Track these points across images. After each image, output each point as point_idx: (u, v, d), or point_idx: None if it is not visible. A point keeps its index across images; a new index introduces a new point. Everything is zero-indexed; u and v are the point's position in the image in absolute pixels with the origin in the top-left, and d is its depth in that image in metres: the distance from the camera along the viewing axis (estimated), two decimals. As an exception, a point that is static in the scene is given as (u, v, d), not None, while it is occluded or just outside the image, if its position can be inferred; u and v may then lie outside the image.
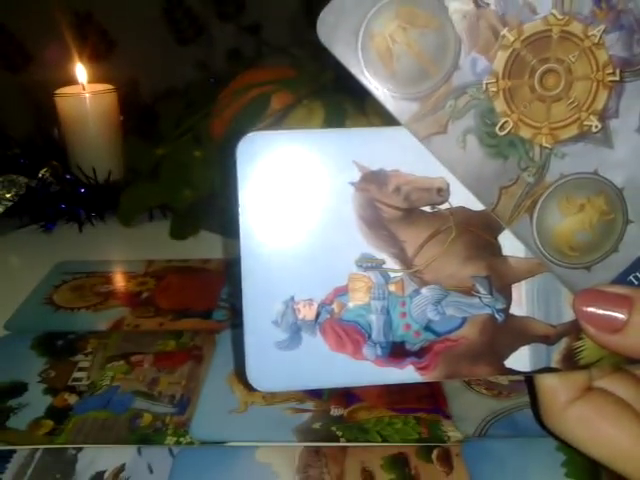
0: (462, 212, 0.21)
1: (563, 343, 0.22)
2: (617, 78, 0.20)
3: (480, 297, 0.21)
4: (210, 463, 0.26)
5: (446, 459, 0.26)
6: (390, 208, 0.21)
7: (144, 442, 0.27)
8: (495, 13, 0.19)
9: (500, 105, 0.20)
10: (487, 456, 0.26)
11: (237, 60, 0.64)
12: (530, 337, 0.22)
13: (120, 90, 0.56)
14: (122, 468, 0.26)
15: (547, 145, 0.20)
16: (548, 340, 0.22)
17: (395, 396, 0.30)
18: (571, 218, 0.21)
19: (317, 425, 0.28)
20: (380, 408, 0.29)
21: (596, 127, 0.21)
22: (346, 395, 0.30)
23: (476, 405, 0.29)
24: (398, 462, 0.26)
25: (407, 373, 0.21)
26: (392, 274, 0.21)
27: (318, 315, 0.20)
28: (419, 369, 0.21)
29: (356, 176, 0.20)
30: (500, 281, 0.21)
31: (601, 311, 0.21)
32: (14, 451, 0.27)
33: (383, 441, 0.27)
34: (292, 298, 0.20)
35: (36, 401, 0.30)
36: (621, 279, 0.22)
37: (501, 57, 0.20)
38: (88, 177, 0.52)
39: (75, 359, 0.33)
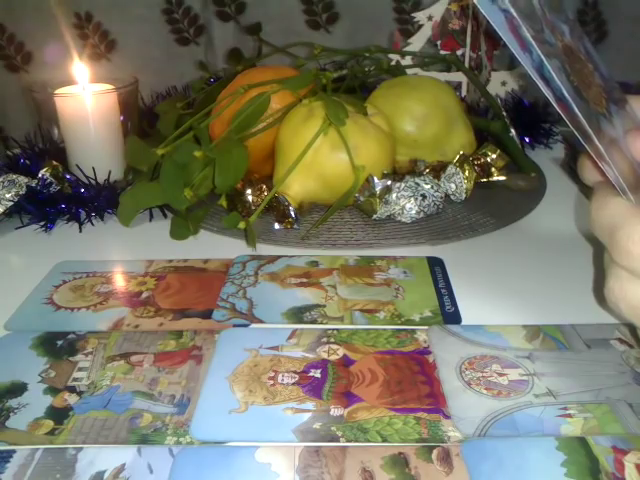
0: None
1: None
2: (606, 97, 0.30)
3: None
4: (210, 463, 0.26)
5: (446, 459, 0.26)
6: None
7: (144, 442, 0.28)
8: (550, 21, 0.29)
9: (567, 66, 0.28)
10: (487, 456, 0.26)
11: (237, 60, 0.64)
12: None
13: (120, 90, 0.56)
14: (122, 468, 0.26)
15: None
16: None
17: (395, 396, 0.30)
18: None
19: (317, 425, 0.28)
20: (380, 408, 0.29)
21: (609, 115, 0.29)
22: (346, 395, 0.30)
23: (476, 405, 0.29)
24: (398, 462, 0.26)
25: None
26: None
27: None
28: None
29: None
30: None
31: None
32: (14, 451, 0.27)
33: (383, 441, 0.27)
34: None
35: (36, 401, 0.30)
36: None
37: (559, 45, 0.28)
38: (88, 177, 0.52)
39: (75, 359, 0.33)
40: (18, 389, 0.31)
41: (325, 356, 0.33)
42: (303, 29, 0.86)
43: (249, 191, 0.48)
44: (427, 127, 0.53)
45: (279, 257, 0.44)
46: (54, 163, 0.53)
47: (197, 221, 0.48)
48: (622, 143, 0.29)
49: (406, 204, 0.46)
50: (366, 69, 0.62)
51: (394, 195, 0.46)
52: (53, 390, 0.31)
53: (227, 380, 0.31)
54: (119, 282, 0.41)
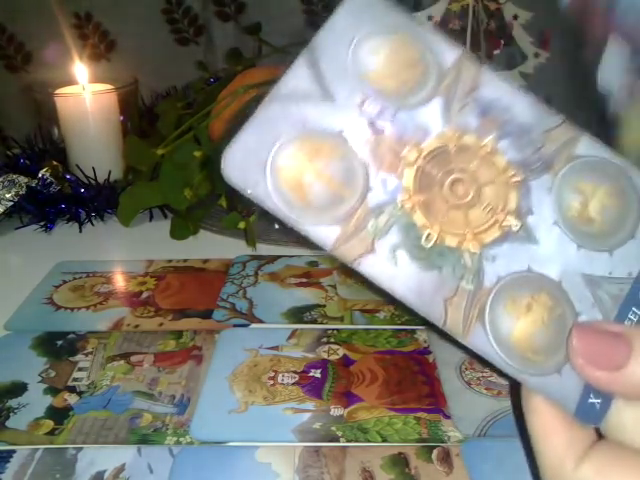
0: None
1: None
2: (519, 179, 0.21)
3: None
4: (210, 463, 0.26)
5: (446, 459, 0.26)
6: None
7: (144, 442, 0.28)
8: (392, 137, 0.20)
9: (419, 219, 0.20)
10: (487, 456, 0.26)
11: (237, 60, 0.64)
12: None
13: (120, 90, 0.56)
14: (122, 468, 0.26)
15: (475, 251, 0.21)
16: None
17: (395, 396, 0.30)
18: (523, 320, 0.21)
19: (317, 425, 0.28)
20: (380, 408, 0.29)
21: (516, 226, 0.21)
22: (346, 395, 0.30)
23: (476, 405, 0.29)
24: (398, 462, 0.26)
25: None
26: None
27: None
28: None
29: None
30: None
31: (598, 350, 0.20)
32: (14, 451, 0.27)
33: (383, 441, 0.27)
34: None
35: (36, 401, 0.30)
36: None
37: (408, 174, 0.20)
38: (88, 177, 0.52)
39: (75, 359, 0.33)
40: (18, 389, 0.31)
41: (325, 356, 0.33)
42: (303, 29, 0.86)
43: (249, 191, 0.48)
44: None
45: (279, 257, 0.44)
46: (54, 163, 0.53)
47: (197, 221, 0.48)
48: (548, 251, 0.21)
49: (406, 204, 0.46)
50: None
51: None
52: (53, 390, 0.31)
53: (227, 380, 0.31)
54: (119, 282, 0.41)
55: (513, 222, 0.21)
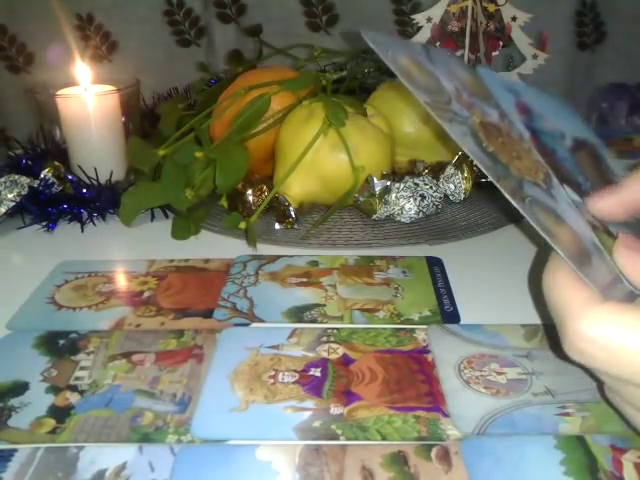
0: None
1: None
2: (546, 170, 0.30)
3: None
4: (211, 461, 0.27)
5: (445, 457, 0.27)
6: None
7: (145, 440, 0.28)
8: (467, 101, 0.30)
9: (482, 135, 0.28)
10: (486, 454, 0.27)
11: (238, 61, 0.64)
12: None
13: (122, 91, 0.56)
14: (123, 466, 0.26)
15: (518, 175, 0.28)
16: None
17: (395, 395, 0.30)
18: (554, 228, 0.27)
19: (317, 423, 0.28)
20: (380, 407, 0.29)
21: (544, 185, 0.29)
22: (346, 394, 0.30)
23: (475, 404, 0.29)
24: (397, 460, 0.26)
25: None
26: None
27: None
28: None
29: None
30: None
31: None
32: (16, 450, 0.27)
33: (382, 439, 0.28)
34: None
35: (38, 400, 0.30)
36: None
37: (475, 120, 0.29)
38: (90, 177, 0.53)
39: (77, 358, 0.33)
40: (20, 388, 0.31)
41: (325, 355, 0.33)
42: (303, 31, 0.86)
43: (250, 191, 0.48)
44: (426, 128, 0.53)
45: (279, 257, 0.44)
46: (56, 164, 0.53)
47: (198, 221, 0.48)
48: (568, 214, 0.28)
49: (405, 204, 0.46)
50: (365, 70, 0.62)
51: (393, 195, 0.46)
52: (55, 389, 0.31)
53: (228, 379, 0.31)
54: (121, 282, 0.42)
55: (542, 184, 0.29)
